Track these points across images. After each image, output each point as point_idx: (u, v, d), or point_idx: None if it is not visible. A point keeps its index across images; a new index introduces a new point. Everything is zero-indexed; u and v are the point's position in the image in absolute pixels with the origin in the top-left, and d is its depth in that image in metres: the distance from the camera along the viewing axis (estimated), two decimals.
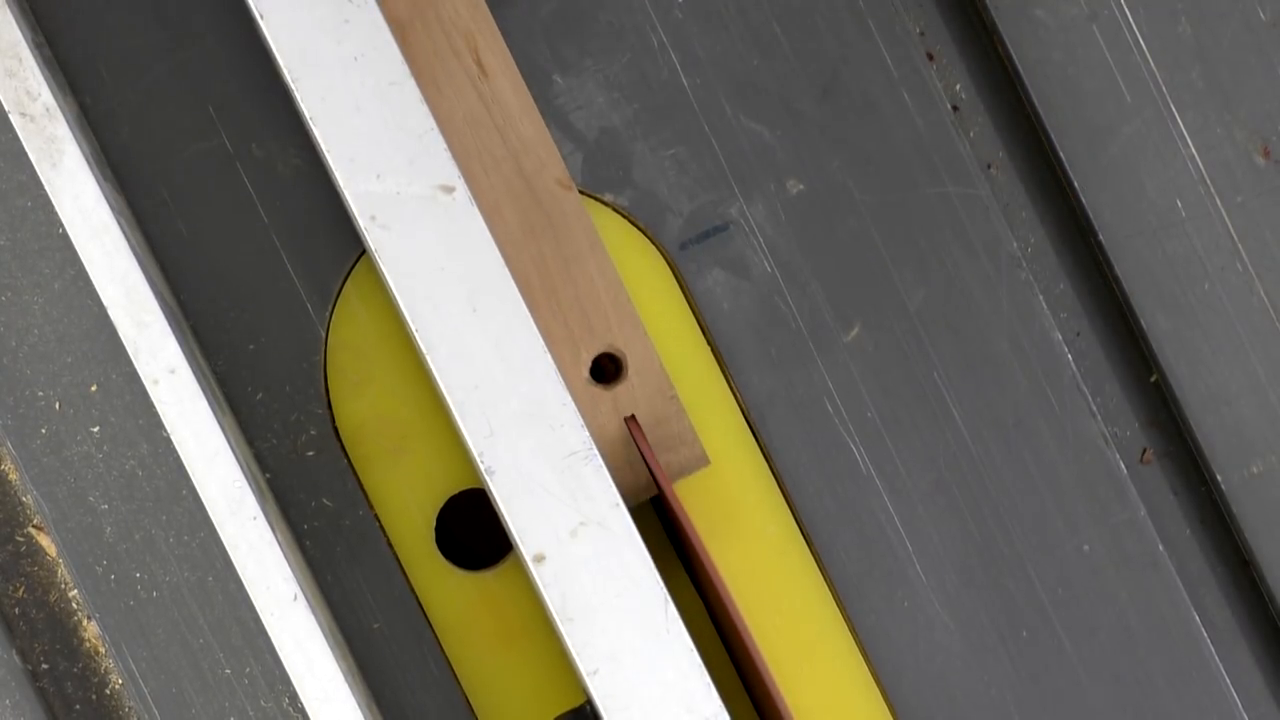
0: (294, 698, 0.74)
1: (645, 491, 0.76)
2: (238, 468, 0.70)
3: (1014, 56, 0.79)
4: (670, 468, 0.75)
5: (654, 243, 0.78)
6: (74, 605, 0.76)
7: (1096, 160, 0.79)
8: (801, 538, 0.78)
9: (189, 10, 0.76)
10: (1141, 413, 0.80)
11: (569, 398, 0.69)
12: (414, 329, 0.69)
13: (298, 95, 0.70)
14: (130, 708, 0.75)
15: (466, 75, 0.74)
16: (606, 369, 0.77)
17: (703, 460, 0.76)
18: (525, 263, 0.75)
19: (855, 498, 0.78)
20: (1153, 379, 0.80)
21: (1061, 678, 0.78)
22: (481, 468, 0.68)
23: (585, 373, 0.75)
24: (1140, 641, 0.78)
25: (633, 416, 0.74)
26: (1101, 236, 0.79)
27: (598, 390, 0.75)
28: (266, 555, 0.70)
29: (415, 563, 0.76)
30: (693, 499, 0.77)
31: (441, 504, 0.77)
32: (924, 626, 0.78)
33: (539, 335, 0.69)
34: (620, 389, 0.75)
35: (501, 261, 0.69)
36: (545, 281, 0.75)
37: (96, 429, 0.75)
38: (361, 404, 0.76)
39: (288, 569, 0.70)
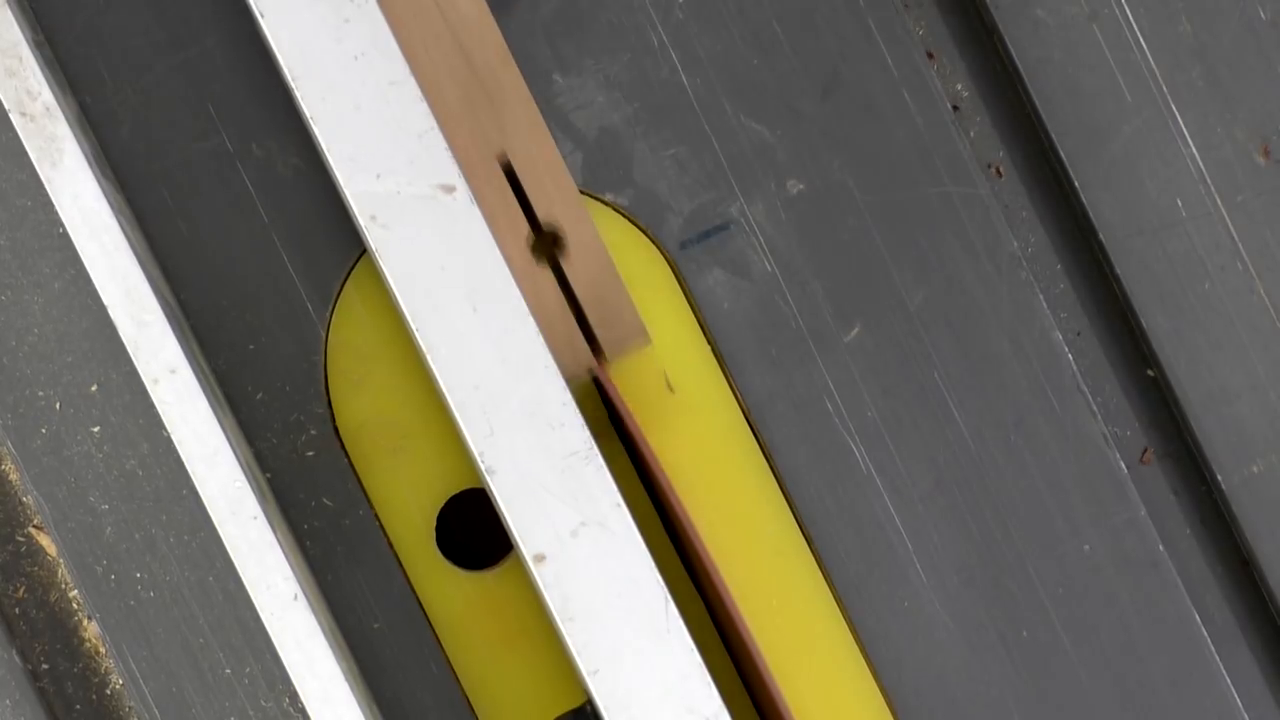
0: (294, 697, 0.74)
1: (584, 372, 0.75)
2: (238, 467, 0.70)
3: (1014, 56, 0.79)
4: (610, 344, 0.75)
5: (654, 242, 0.78)
6: (74, 605, 0.76)
7: (1097, 160, 0.79)
8: (801, 538, 0.78)
9: (189, 10, 0.76)
10: (1142, 413, 0.80)
11: (569, 397, 0.69)
12: (414, 329, 0.69)
13: (298, 95, 0.70)
14: (130, 708, 0.75)
15: None
16: (547, 245, 0.76)
17: (643, 336, 0.75)
18: (464, 137, 0.74)
19: (855, 498, 0.78)
20: (1150, 374, 0.80)
21: (1061, 678, 0.78)
22: (482, 467, 0.68)
23: (525, 247, 0.75)
24: (1140, 641, 0.78)
25: (600, 365, 0.74)
26: (1102, 236, 0.79)
27: (538, 268, 0.74)
28: (267, 555, 0.70)
29: (415, 563, 0.76)
30: (693, 498, 0.77)
31: (442, 504, 0.77)
32: (924, 626, 0.78)
33: (539, 334, 0.69)
34: (560, 264, 0.75)
35: (502, 261, 0.69)
36: (484, 157, 0.74)
37: (97, 429, 0.75)
38: (362, 404, 0.76)
39: (288, 569, 0.70)
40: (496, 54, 0.74)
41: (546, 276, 0.74)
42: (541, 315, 0.74)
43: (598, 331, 0.75)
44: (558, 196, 0.75)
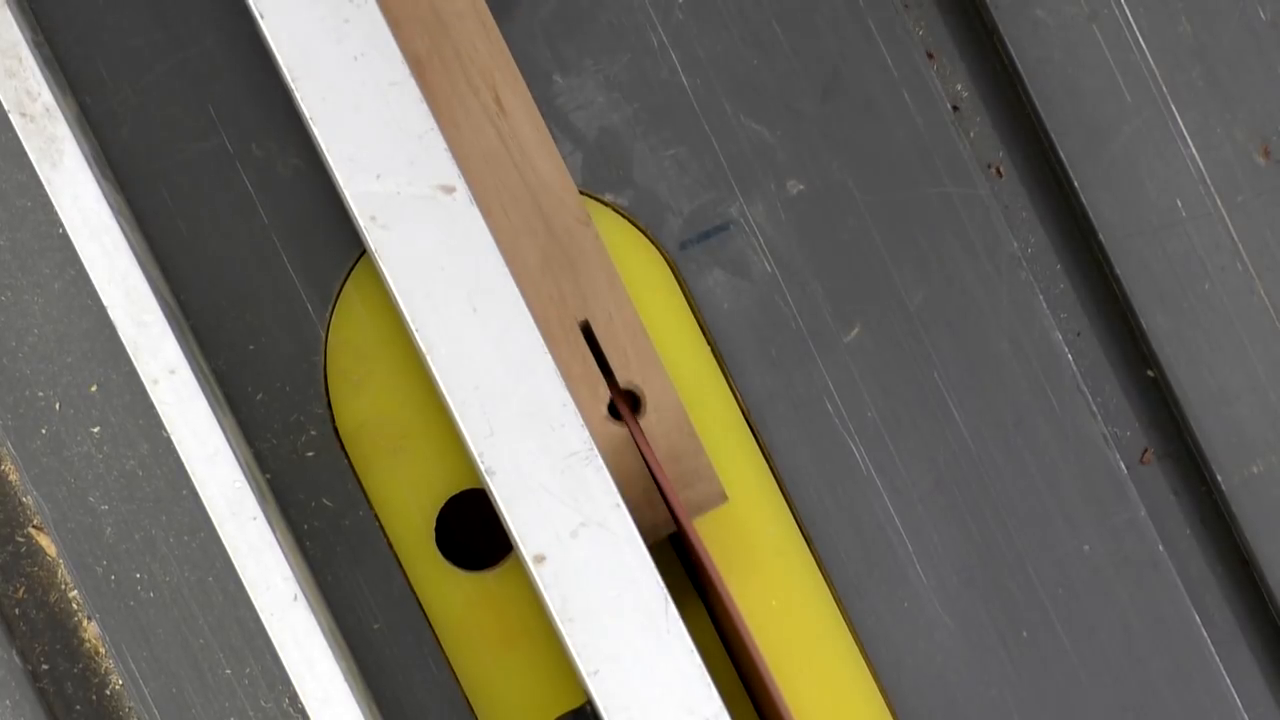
0: (294, 698, 0.74)
1: (664, 527, 0.76)
2: (238, 468, 0.70)
3: (1014, 56, 0.79)
4: (688, 504, 0.75)
5: (654, 243, 0.78)
6: (74, 606, 0.76)
7: (1096, 160, 0.79)
8: (801, 538, 0.78)
9: (189, 10, 0.76)
10: (1142, 413, 0.80)
11: (569, 397, 0.69)
12: (414, 329, 0.69)
13: (298, 95, 0.70)
14: (130, 708, 0.75)
15: (484, 112, 0.74)
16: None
17: (720, 497, 0.76)
18: (544, 300, 0.75)
19: (855, 498, 0.78)
20: (1150, 374, 0.80)
21: (1061, 677, 0.78)
22: (482, 468, 0.68)
23: (604, 409, 0.75)
24: (1140, 641, 0.78)
25: (646, 442, 0.74)
26: (1101, 236, 0.79)
27: (616, 427, 0.75)
28: (266, 555, 0.70)
29: (415, 563, 0.76)
30: None
31: (441, 504, 0.77)
32: (924, 626, 0.78)
33: (539, 335, 0.69)
34: (640, 425, 0.75)
35: (502, 261, 0.69)
36: (563, 319, 0.75)
37: (96, 429, 0.75)
38: (362, 404, 0.76)
39: (288, 569, 0.70)
40: (576, 216, 0.75)
41: (624, 438, 0.75)
42: (620, 475, 0.74)
43: (676, 491, 0.76)
44: (634, 356, 0.75)
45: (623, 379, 0.75)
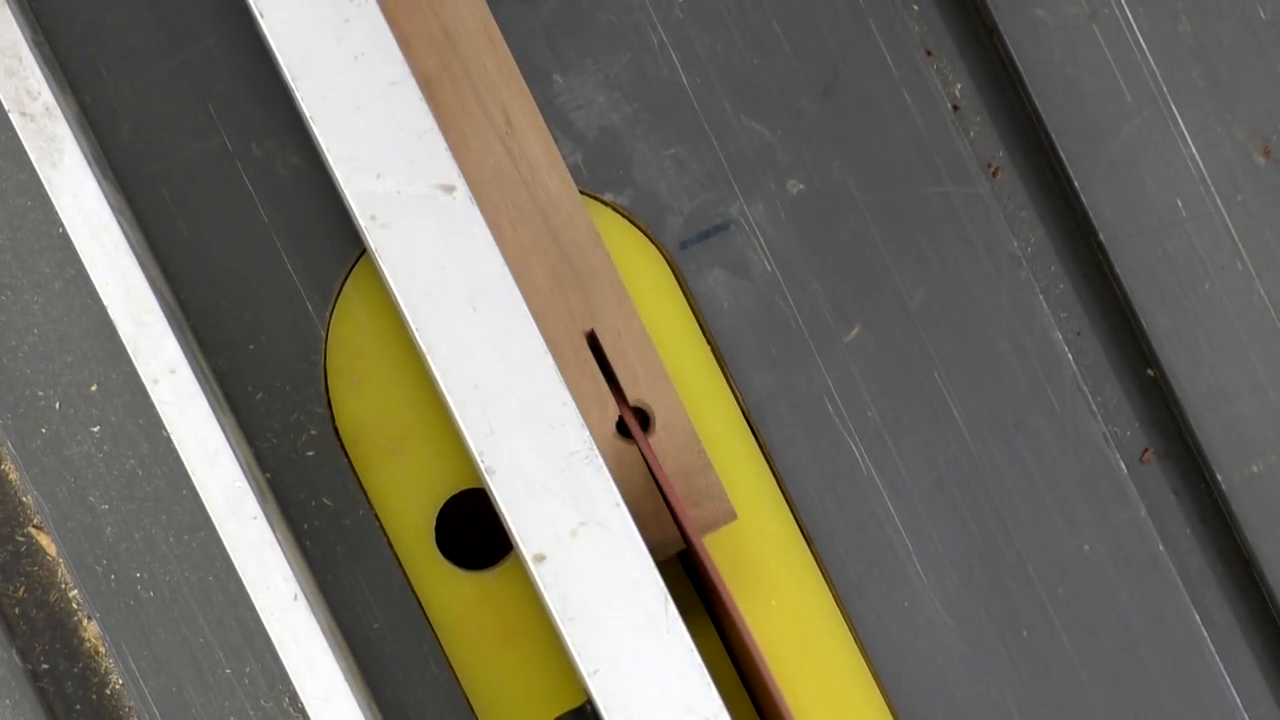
0: (294, 697, 0.74)
1: (673, 546, 0.76)
2: (238, 467, 0.70)
3: (1014, 56, 0.79)
4: (698, 522, 0.75)
5: (654, 242, 0.78)
6: (74, 605, 0.76)
7: (1097, 160, 0.79)
8: (801, 538, 0.78)
9: (189, 10, 0.76)
10: (1142, 412, 0.80)
11: (569, 397, 0.69)
12: (414, 328, 0.69)
13: (298, 94, 0.70)
14: (130, 707, 0.75)
15: (494, 130, 0.74)
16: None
17: (730, 515, 0.76)
18: (553, 318, 0.75)
19: (855, 497, 0.78)
20: (1150, 374, 0.80)
21: (1061, 677, 0.78)
22: (482, 467, 0.68)
23: (612, 427, 0.75)
24: (1140, 641, 0.78)
25: (655, 459, 0.74)
26: (1102, 236, 0.79)
27: (624, 444, 0.75)
28: (266, 555, 0.70)
29: (415, 562, 0.76)
30: None
31: (441, 504, 0.77)
32: (924, 626, 0.78)
33: (539, 335, 0.69)
34: (649, 442, 0.75)
35: (502, 261, 0.69)
36: (572, 336, 0.75)
37: (96, 429, 0.75)
38: (362, 404, 0.76)
39: (288, 569, 0.70)
40: (585, 233, 0.75)
41: (633, 455, 0.75)
42: (628, 493, 0.74)
43: (685, 510, 0.75)
44: (644, 373, 0.75)
45: (632, 396, 0.75)
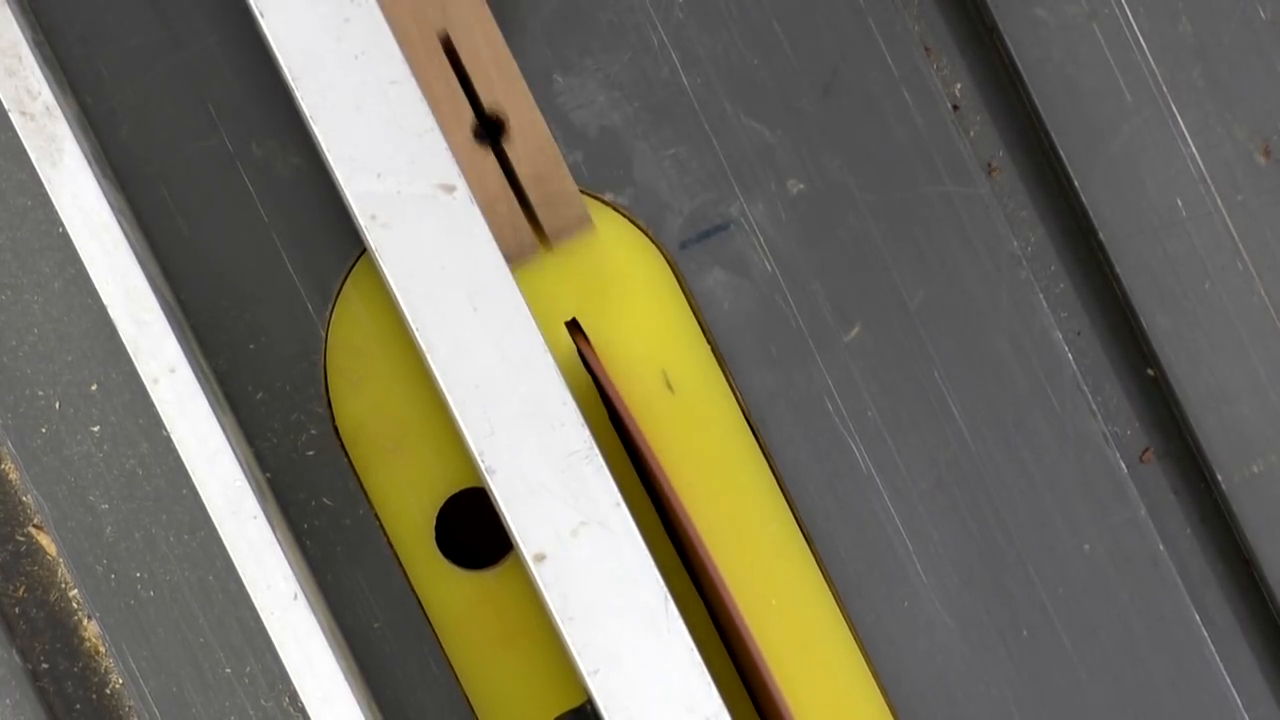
0: (294, 697, 0.74)
1: (528, 250, 0.75)
2: (238, 467, 0.70)
3: (1014, 55, 0.79)
4: (553, 227, 0.74)
5: (654, 242, 0.78)
6: (74, 605, 0.76)
7: (1097, 159, 0.79)
8: (801, 538, 0.78)
9: (189, 9, 0.76)
10: (1142, 412, 0.80)
11: (570, 396, 0.69)
12: (414, 328, 0.69)
13: (298, 94, 0.70)
14: (130, 707, 0.75)
15: None
16: (490, 129, 0.76)
17: (585, 220, 0.75)
18: (408, 22, 0.73)
19: (855, 497, 0.78)
20: (1150, 374, 0.80)
21: (1061, 677, 0.78)
22: (482, 467, 0.68)
23: (468, 131, 0.74)
24: (1140, 641, 0.78)
25: (574, 322, 0.73)
26: (1102, 236, 0.79)
27: (480, 149, 0.74)
28: (266, 554, 0.70)
29: (415, 562, 0.76)
30: (693, 498, 0.77)
31: (441, 503, 0.77)
32: (924, 626, 0.78)
33: (539, 334, 0.69)
34: (504, 147, 0.74)
35: (502, 261, 0.69)
36: (425, 36, 0.73)
37: (96, 428, 0.75)
38: (362, 403, 0.76)
39: (288, 568, 0.70)
40: None
41: (489, 160, 0.74)
42: (483, 198, 0.73)
43: (540, 214, 0.75)
44: (500, 80, 0.74)
45: (486, 100, 0.74)
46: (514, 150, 0.75)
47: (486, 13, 0.74)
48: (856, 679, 0.78)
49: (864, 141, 0.78)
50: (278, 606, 0.70)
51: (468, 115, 0.74)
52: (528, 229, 0.75)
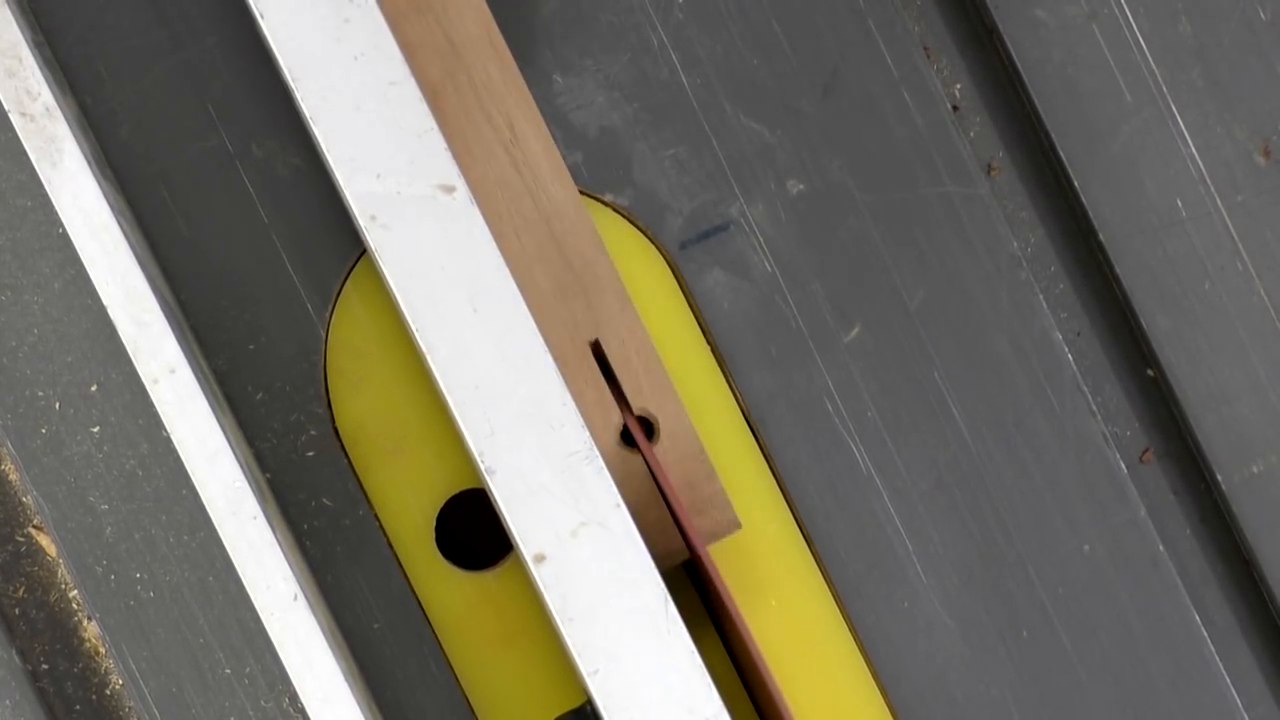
0: (294, 697, 0.74)
1: (678, 556, 0.76)
2: (238, 467, 0.70)
3: (1014, 56, 0.79)
4: (702, 531, 0.75)
5: (654, 242, 0.78)
6: (74, 605, 0.76)
7: (1096, 160, 0.79)
8: (801, 538, 0.78)
9: (189, 10, 0.76)
10: (1142, 413, 0.80)
11: (569, 397, 0.69)
12: (414, 329, 0.69)
13: (298, 94, 0.70)
14: (130, 708, 0.75)
15: (498, 138, 0.74)
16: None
17: (734, 524, 0.76)
18: (558, 326, 0.75)
19: (855, 498, 0.78)
20: (1150, 374, 0.80)
21: (1062, 677, 0.78)
22: (482, 467, 0.68)
23: (617, 436, 0.75)
24: (1140, 641, 0.78)
25: (660, 468, 0.74)
26: (1102, 236, 0.79)
27: (629, 453, 0.75)
28: (266, 555, 0.70)
29: (415, 563, 0.76)
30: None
31: (441, 504, 0.77)
32: (924, 626, 0.78)
33: (539, 335, 0.69)
34: (654, 452, 0.75)
35: (502, 261, 0.69)
36: (577, 345, 0.75)
37: (96, 429, 0.75)
38: (362, 404, 0.76)
39: (288, 569, 0.70)
40: (589, 241, 0.75)
41: (637, 464, 0.74)
42: (633, 502, 0.74)
43: (690, 519, 0.75)
44: (649, 384, 0.75)
45: (636, 405, 0.75)
46: (664, 454, 0.75)
47: (637, 319, 0.75)
48: (856, 679, 0.78)
49: (864, 142, 0.78)
50: (278, 607, 0.70)
51: (615, 417, 0.75)
52: (678, 538, 0.75)
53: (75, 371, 0.75)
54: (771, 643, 0.77)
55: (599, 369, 0.75)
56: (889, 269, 0.78)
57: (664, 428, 0.75)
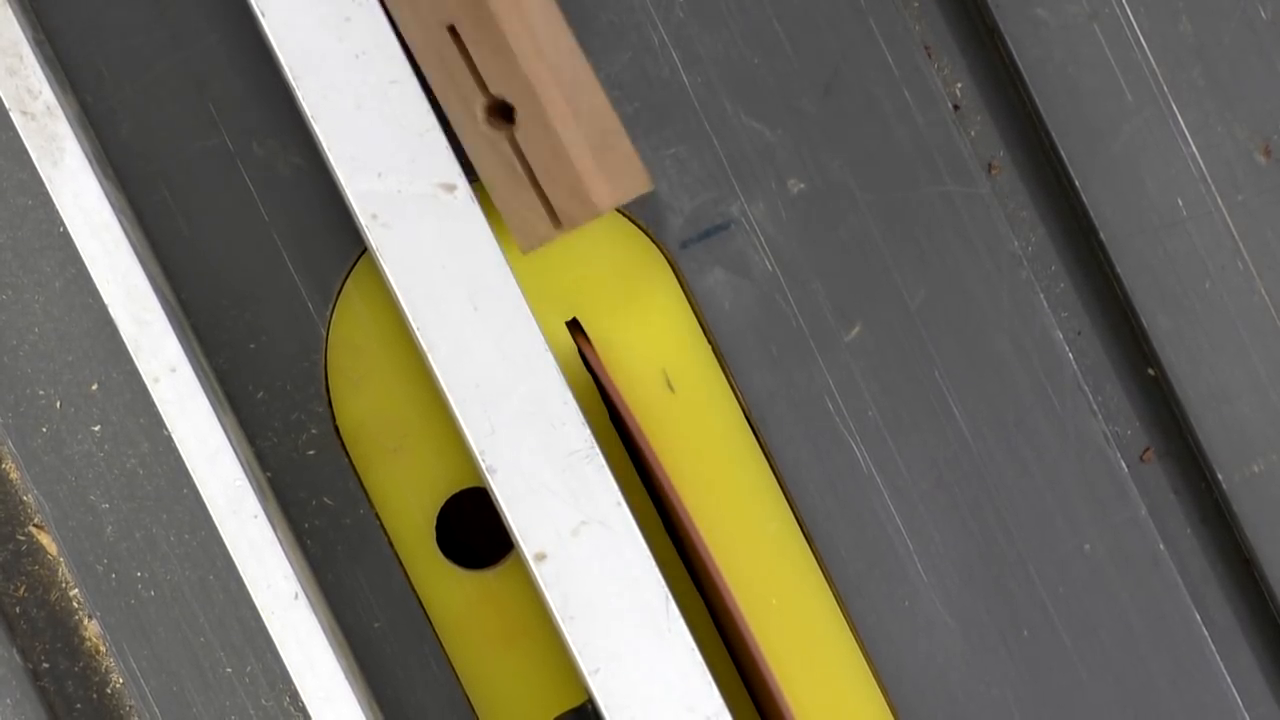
0: (295, 696, 0.74)
1: (540, 240, 0.73)
2: (238, 466, 0.70)
3: (1015, 55, 0.79)
4: (565, 212, 0.72)
5: (655, 242, 0.78)
6: (75, 604, 0.75)
7: (1097, 159, 0.79)
8: (801, 538, 0.78)
9: (189, 9, 0.76)
10: (1142, 412, 0.80)
11: (570, 395, 0.69)
12: (415, 327, 0.69)
13: (299, 93, 0.70)
14: (131, 706, 0.75)
15: None
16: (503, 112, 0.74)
17: (602, 205, 0.73)
18: (415, 4, 0.71)
19: (856, 497, 0.78)
20: (1150, 373, 0.80)
21: (1062, 677, 0.78)
22: (483, 466, 0.68)
23: (481, 115, 0.72)
24: (1141, 640, 0.78)
25: (575, 321, 0.72)
26: (1102, 235, 0.79)
27: (494, 133, 0.72)
28: (267, 554, 0.70)
29: (416, 562, 0.76)
30: (693, 497, 0.77)
31: (442, 503, 0.77)
32: (924, 626, 0.78)
33: (540, 333, 0.69)
34: (516, 132, 0.73)
35: (503, 260, 0.69)
36: (435, 25, 0.70)
37: (97, 428, 0.75)
38: (362, 403, 0.76)
39: (288, 568, 0.70)
40: None
41: (502, 144, 0.72)
42: (497, 182, 0.72)
43: (552, 198, 0.73)
44: (510, 63, 0.73)
45: (496, 85, 0.73)
46: (525, 135, 0.73)
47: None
48: (856, 679, 0.78)
49: (864, 141, 0.78)
50: (278, 606, 0.70)
51: (479, 98, 0.73)
52: (543, 213, 0.73)
53: (76, 370, 0.75)
54: (772, 642, 0.77)
55: (458, 50, 0.73)
56: (890, 268, 0.78)
57: (525, 107, 0.73)
